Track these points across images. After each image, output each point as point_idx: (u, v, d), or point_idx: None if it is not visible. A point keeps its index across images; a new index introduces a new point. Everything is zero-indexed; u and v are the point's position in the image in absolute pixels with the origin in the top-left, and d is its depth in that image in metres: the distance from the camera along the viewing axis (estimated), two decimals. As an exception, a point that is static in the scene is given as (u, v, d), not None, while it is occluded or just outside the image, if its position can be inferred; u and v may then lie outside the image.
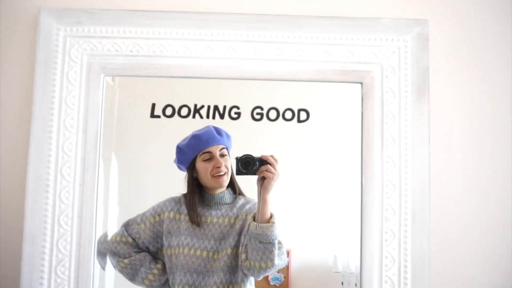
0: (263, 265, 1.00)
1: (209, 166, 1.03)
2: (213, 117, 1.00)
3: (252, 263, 0.98)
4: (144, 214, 1.09)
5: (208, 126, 1.05)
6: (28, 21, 1.03)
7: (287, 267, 1.16)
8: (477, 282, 1.07)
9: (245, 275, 1.04)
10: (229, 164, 1.04)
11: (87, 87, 0.96)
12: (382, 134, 0.96)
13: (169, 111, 1.01)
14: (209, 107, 1.01)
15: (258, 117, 1.00)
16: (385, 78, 0.97)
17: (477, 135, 1.08)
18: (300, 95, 1.01)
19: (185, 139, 1.05)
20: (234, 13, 1.00)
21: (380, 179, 0.96)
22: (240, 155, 0.96)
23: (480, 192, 1.08)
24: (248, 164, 0.96)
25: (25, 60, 1.03)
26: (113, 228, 1.03)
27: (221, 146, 1.03)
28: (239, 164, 0.96)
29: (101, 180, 0.99)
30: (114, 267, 1.05)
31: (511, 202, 1.08)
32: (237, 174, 0.97)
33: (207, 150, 1.03)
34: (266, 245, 0.97)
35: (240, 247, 1.01)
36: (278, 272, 1.18)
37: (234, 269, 1.02)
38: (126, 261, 1.03)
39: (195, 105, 1.01)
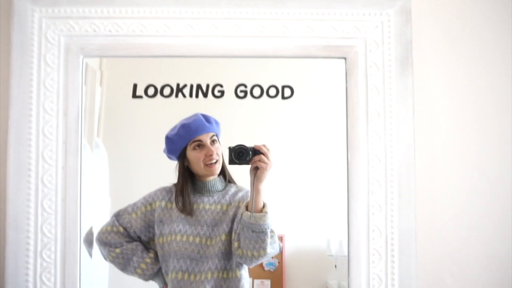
0: (255, 253, 1.02)
1: (201, 155, 1.04)
2: (196, 96, 1.01)
3: (245, 252, 1.00)
4: (135, 204, 1.10)
5: (196, 114, 1.06)
6: (2, 4, 1.01)
7: (281, 252, 1.19)
8: (463, 254, 1.13)
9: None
10: (220, 151, 1.06)
11: (65, 69, 0.97)
12: (367, 109, 0.99)
13: (151, 91, 1.02)
14: (192, 86, 1.02)
15: (241, 94, 1.02)
16: (368, 53, 1.00)
17: (462, 108, 1.12)
18: (284, 72, 1.03)
19: (173, 128, 1.06)
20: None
21: (365, 153, 0.99)
22: (233, 145, 0.97)
23: (465, 165, 1.13)
24: (241, 155, 0.97)
25: (0, 43, 1.01)
26: (103, 218, 1.04)
27: (211, 134, 1.04)
28: (232, 154, 0.96)
29: (86, 166, 0.99)
30: (105, 258, 1.06)
31: (495, 175, 1.13)
32: (229, 163, 0.98)
33: (197, 138, 1.04)
34: (259, 234, 1.00)
35: (233, 234, 1.02)
36: (272, 257, 1.19)
37: (228, 255, 1.04)
38: (117, 250, 1.04)
39: (178, 85, 1.02)
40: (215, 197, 1.06)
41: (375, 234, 0.98)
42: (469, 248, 1.13)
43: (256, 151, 0.96)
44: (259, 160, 0.96)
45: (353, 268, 0.99)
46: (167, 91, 1.02)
